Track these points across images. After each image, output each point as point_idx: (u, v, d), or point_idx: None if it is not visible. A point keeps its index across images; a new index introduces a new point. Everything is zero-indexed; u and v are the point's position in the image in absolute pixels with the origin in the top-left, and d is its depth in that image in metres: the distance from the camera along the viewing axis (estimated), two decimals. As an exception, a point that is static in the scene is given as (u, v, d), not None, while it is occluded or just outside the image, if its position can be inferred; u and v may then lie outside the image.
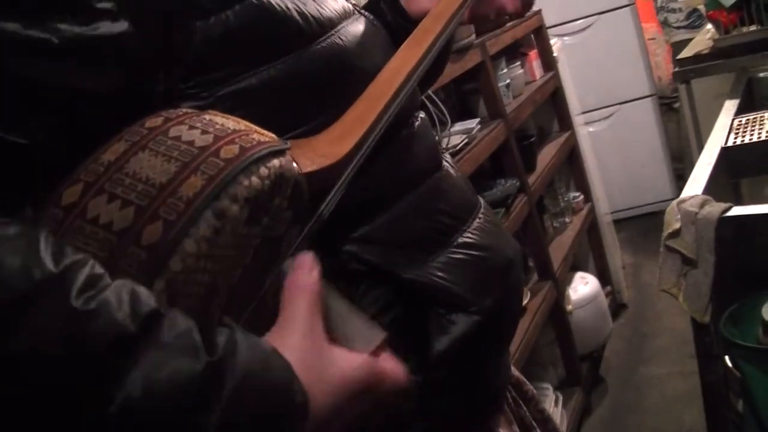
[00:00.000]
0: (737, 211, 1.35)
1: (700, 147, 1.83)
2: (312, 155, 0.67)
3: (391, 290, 0.78)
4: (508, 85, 2.41)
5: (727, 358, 1.27)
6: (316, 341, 0.56)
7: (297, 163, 0.62)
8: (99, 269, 0.48)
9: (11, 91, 0.55)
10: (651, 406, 2.49)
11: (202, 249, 0.53)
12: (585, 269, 2.98)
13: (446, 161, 0.92)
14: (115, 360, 0.45)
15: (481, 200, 0.95)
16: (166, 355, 0.47)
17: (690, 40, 3.14)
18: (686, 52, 2.53)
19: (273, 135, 0.61)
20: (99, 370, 0.45)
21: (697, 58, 2.44)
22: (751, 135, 1.68)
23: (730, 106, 1.96)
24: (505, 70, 2.44)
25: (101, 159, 0.56)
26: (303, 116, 0.73)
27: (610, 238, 3.18)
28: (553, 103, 2.96)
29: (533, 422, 1.04)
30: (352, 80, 0.77)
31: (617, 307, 3.12)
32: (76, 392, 0.44)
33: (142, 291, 0.49)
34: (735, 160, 1.67)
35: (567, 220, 2.87)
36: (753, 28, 2.33)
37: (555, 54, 2.95)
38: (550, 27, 3.33)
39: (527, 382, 1.09)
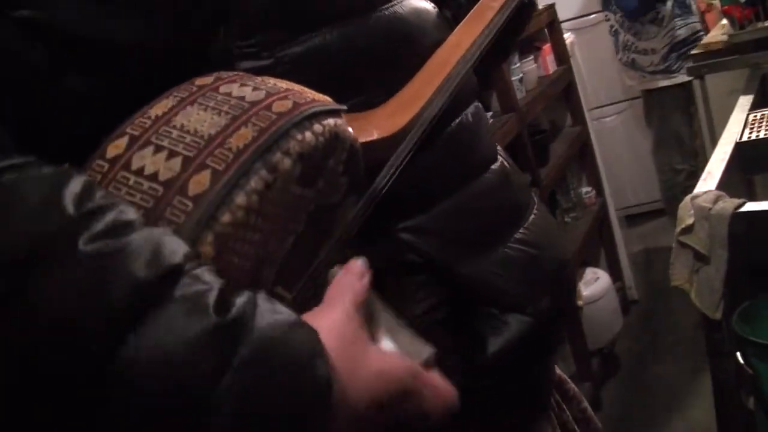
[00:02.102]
0: (751, 207, 1.34)
1: (714, 143, 1.82)
2: (367, 127, 0.65)
3: (444, 286, 0.74)
4: (521, 79, 2.41)
5: (738, 355, 1.26)
6: (356, 331, 0.52)
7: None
8: (128, 216, 0.45)
9: (61, 46, 0.53)
10: (661, 403, 2.48)
11: (253, 202, 0.51)
12: (596, 265, 2.97)
13: (500, 154, 0.88)
14: (120, 315, 0.42)
15: (535, 197, 0.91)
16: (173, 314, 0.43)
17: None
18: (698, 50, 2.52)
19: (328, 97, 0.59)
20: (101, 324, 0.41)
21: (711, 53, 2.42)
22: (766, 131, 1.67)
23: (744, 102, 1.94)
24: (518, 64, 2.43)
25: (148, 113, 0.55)
26: (360, 86, 0.70)
27: (621, 233, 3.17)
28: (565, 97, 2.94)
29: (576, 428, 1.00)
30: (411, 53, 0.75)
31: (628, 303, 3.11)
32: (75, 350, 0.41)
33: (170, 243, 0.45)
34: (749, 155, 1.65)
35: (578, 215, 2.86)
36: (768, 23, 2.31)
37: (568, 48, 2.94)
38: (564, 21, 3.32)
39: (569, 381, 1.05)
